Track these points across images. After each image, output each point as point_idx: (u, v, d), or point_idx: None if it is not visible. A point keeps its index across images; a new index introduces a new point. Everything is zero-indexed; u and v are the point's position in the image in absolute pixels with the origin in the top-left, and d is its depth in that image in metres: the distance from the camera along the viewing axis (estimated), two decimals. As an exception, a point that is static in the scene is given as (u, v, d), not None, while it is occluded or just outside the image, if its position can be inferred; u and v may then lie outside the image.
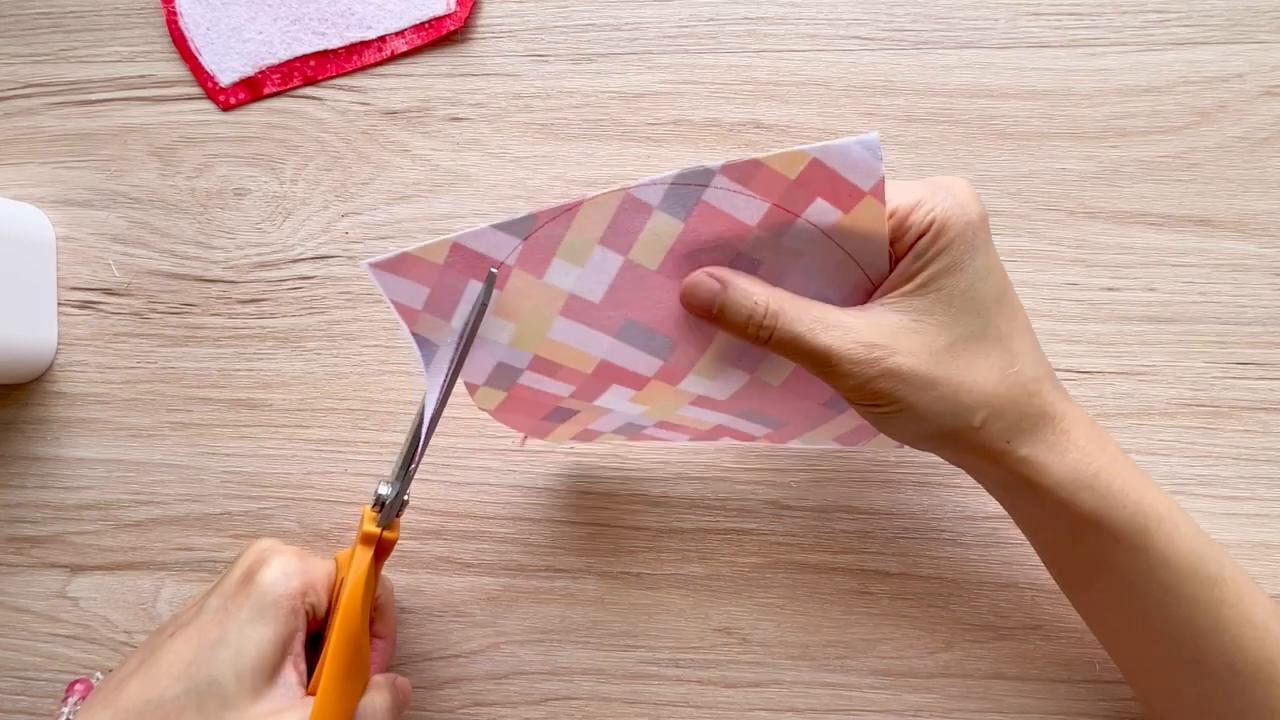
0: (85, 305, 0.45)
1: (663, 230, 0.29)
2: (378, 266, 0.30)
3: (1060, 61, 0.40)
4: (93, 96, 0.45)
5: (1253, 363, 0.39)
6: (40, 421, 0.45)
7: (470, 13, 0.42)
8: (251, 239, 0.44)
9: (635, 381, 0.34)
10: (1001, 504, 0.33)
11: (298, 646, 0.33)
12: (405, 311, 0.31)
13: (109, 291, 0.45)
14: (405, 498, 0.34)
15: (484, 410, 0.36)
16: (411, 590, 0.42)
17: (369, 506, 0.34)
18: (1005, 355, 0.29)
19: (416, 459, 0.33)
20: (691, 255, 0.30)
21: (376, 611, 0.37)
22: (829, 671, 0.40)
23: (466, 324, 0.31)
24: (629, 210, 0.29)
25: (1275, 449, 0.39)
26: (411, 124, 0.43)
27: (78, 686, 0.34)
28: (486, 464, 0.42)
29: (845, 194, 0.28)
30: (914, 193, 0.29)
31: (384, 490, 0.33)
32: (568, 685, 0.41)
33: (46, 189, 0.45)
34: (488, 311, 0.31)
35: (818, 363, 0.29)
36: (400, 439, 0.41)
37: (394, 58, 0.43)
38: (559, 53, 0.42)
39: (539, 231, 0.29)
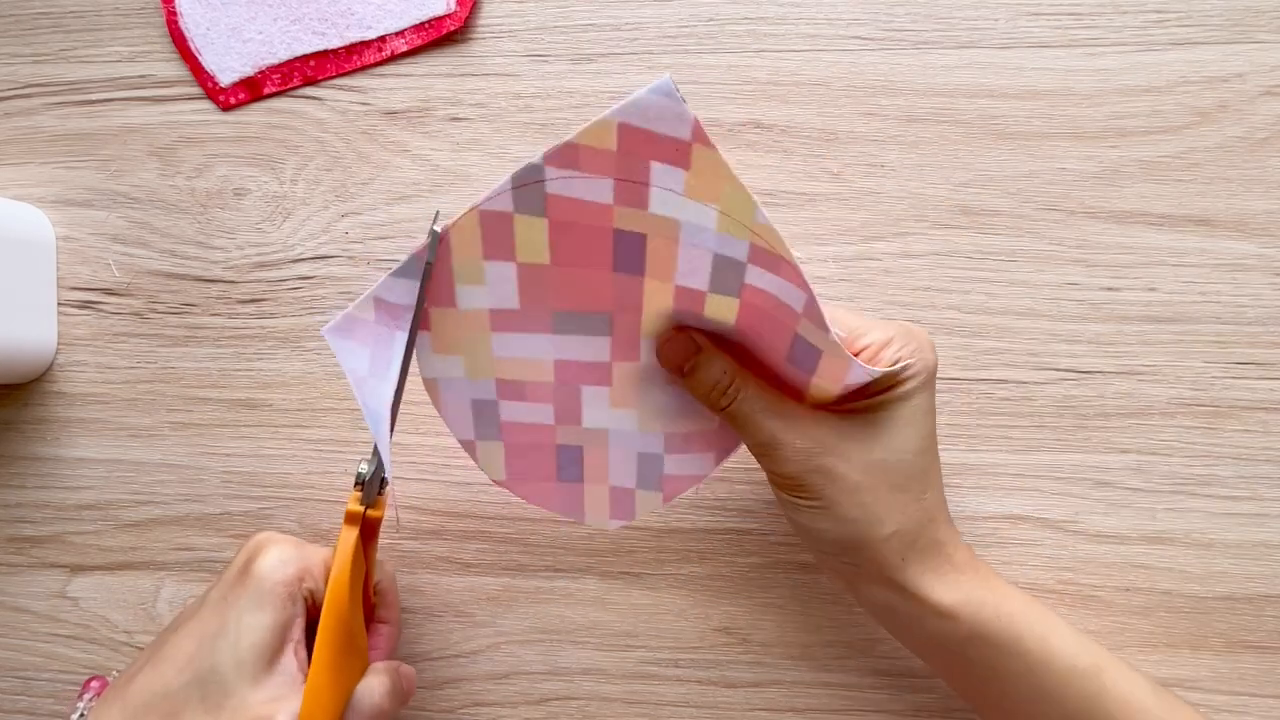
0: (85, 305, 0.45)
1: (533, 228, 0.30)
2: (332, 332, 0.32)
3: (1060, 61, 0.40)
4: (93, 96, 0.45)
5: (1253, 363, 0.39)
6: (40, 421, 0.45)
7: (470, 13, 0.42)
8: (251, 239, 0.44)
9: (599, 374, 0.34)
10: (889, 630, 0.36)
11: (297, 633, 0.33)
12: (356, 380, 0.33)
13: (109, 291, 0.45)
14: (385, 475, 0.34)
15: (501, 485, 0.38)
16: (411, 590, 0.42)
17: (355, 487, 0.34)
18: (921, 483, 0.33)
19: (389, 432, 0.33)
20: (572, 239, 0.31)
21: (378, 596, 0.38)
22: (829, 671, 0.40)
23: (419, 293, 0.32)
24: (491, 223, 0.30)
25: (1275, 449, 0.39)
26: (411, 124, 0.43)
27: (93, 684, 0.35)
28: (486, 464, 0.42)
29: (672, 149, 0.28)
30: (886, 331, 0.33)
31: (364, 468, 0.34)
32: (568, 685, 0.41)
33: (46, 189, 0.45)
34: (431, 353, 0.34)
35: (762, 443, 0.32)
36: (399, 438, 0.41)
37: (394, 58, 0.43)
38: (559, 53, 0.42)
39: (430, 268, 0.31)
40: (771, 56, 0.41)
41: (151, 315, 0.44)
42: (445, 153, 0.43)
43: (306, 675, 0.32)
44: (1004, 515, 0.39)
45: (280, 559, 0.33)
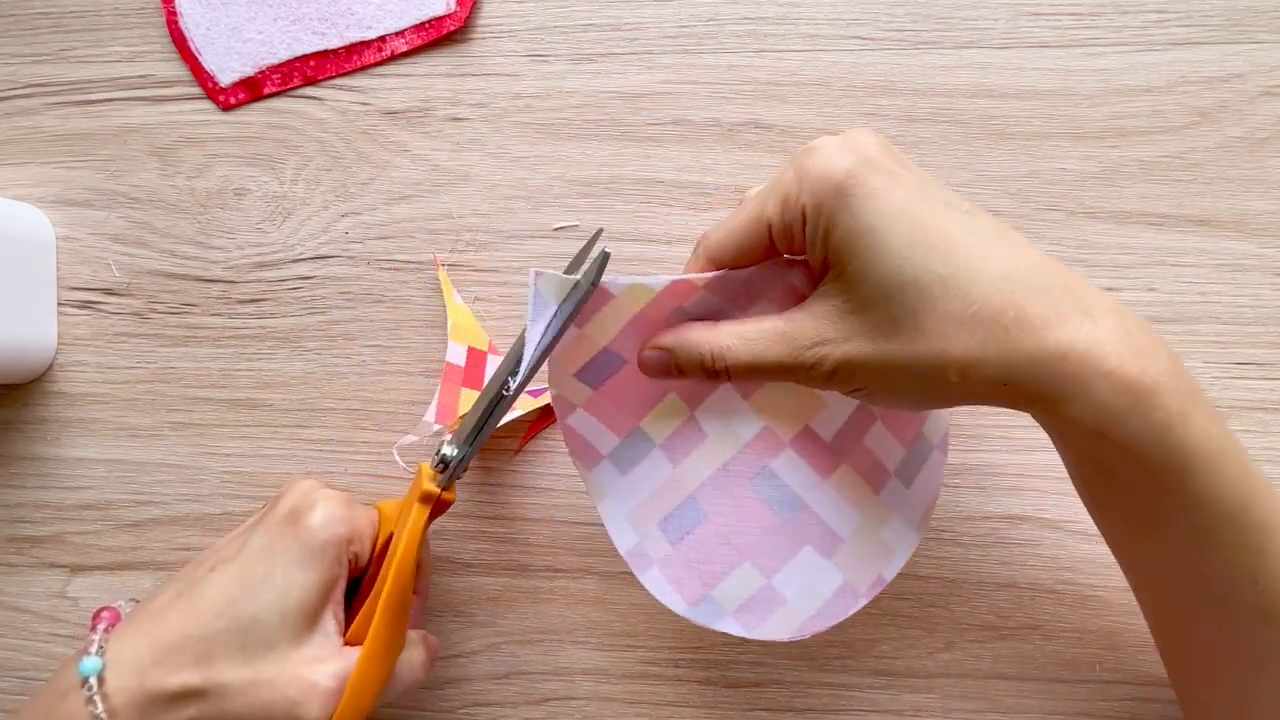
0: (85, 305, 0.45)
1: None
2: (541, 279, 0.31)
3: (1060, 61, 0.40)
4: (93, 96, 0.45)
5: (1253, 363, 0.39)
6: (40, 421, 0.45)
7: (470, 13, 0.42)
8: (251, 239, 0.44)
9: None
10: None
11: (339, 594, 0.33)
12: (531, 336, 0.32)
13: (109, 291, 0.45)
14: (467, 463, 0.35)
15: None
16: (411, 590, 0.42)
17: (427, 464, 0.34)
18: (957, 294, 0.26)
19: (491, 424, 0.33)
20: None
21: (418, 569, 0.37)
22: (829, 671, 0.40)
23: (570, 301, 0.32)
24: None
25: (1275, 449, 0.39)
26: (411, 124, 0.43)
27: (105, 614, 0.34)
28: (487, 464, 0.42)
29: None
30: (774, 195, 0.28)
31: (449, 451, 0.34)
32: (568, 685, 0.41)
33: (46, 189, 0.45)
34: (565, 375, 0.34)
35: (783, 372, 0.29)
36: (400, 438, 0.41)
37: (394, 58, 0.43)
38: (559, 53, 0.42)
39: (591, 291, 0.31)
40: (771, 56, 0.41)
41: (151, 315, 0.44)
42: (445, 153, 0.43)
43: (344, 637, 0.32)
44: (1004, 515, 0.39)
45: (333, 517, 0.33)
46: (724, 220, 0.31)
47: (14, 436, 0.45)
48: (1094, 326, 0.26)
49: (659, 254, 0.41)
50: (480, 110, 0.43)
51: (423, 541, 0.34)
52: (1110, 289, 0.39)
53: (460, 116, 0.43)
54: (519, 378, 0.32)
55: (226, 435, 0.44)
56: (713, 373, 0.31)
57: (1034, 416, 0.28)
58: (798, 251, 0.30)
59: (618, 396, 0.34)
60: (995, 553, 0.39)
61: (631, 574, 0.34)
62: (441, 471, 0.34)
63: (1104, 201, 0.39)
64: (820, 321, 0.28)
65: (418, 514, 0.33)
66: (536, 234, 0.42)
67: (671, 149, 0.42)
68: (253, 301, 0.44)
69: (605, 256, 0.30)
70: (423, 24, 0.43)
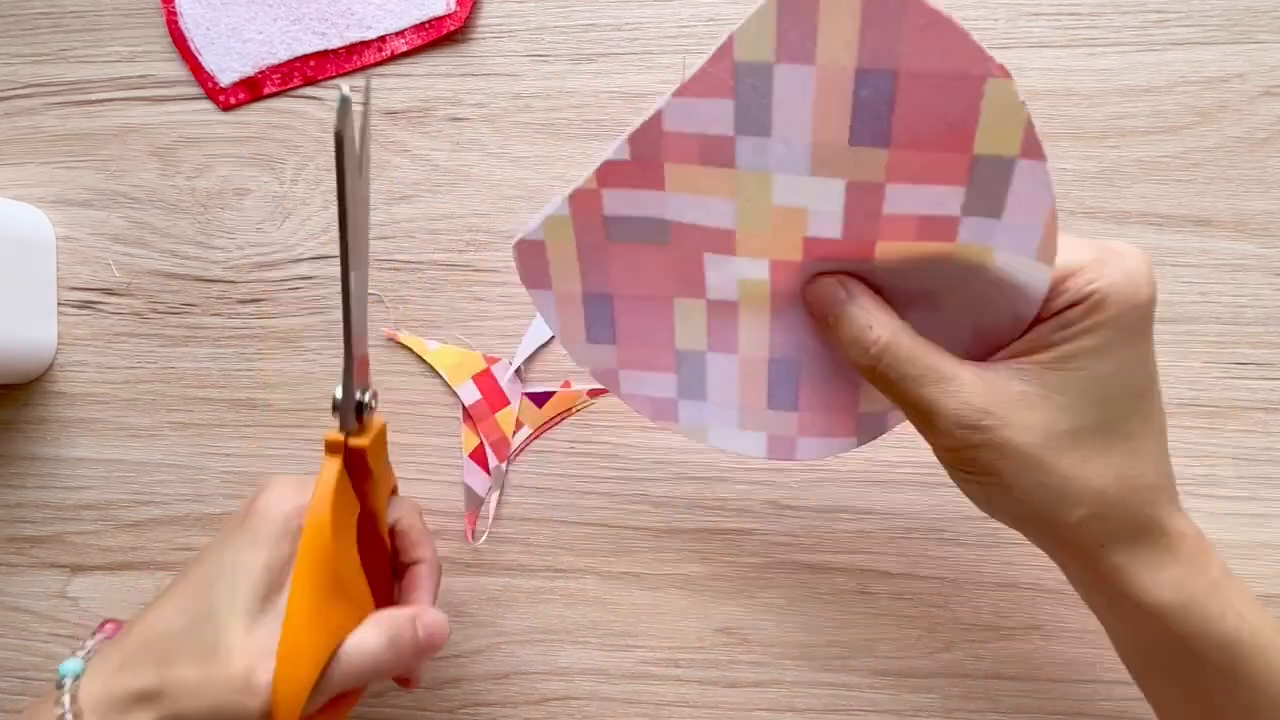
0: (85, 305, 0.45)
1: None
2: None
3: (1060, 61, 0.40)
4: (93, 96, 0.45)
5: (1253, 363, 0.39)
6: (40, 421, 0.45)
7: (470, 13, 0.42)
8: (251, 239, 0.44)
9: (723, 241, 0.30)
10: (1081, 596, 0.31)
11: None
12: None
13: (109, 291, 0.45)
14: (364, 399, 0.31)
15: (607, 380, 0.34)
16: (411, 590, 0.42)
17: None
18: (1129, 457, 0.27)
19: (352, 346, 0.30)
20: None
21: (399, 538, 0.35)
22: (829, 671, 0.40)
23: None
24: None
25: (1275, 449, 0.39)
26: (411, 124, 0.43)
27: (108, 625, 0.34)
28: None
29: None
30: (1081, 254, 0.26)
31: (337, 393, 0.31)
32: (568, 685, 0.41)
33: (46, 189, 0.45)
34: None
35: (919, 414, 0.27)
36: (399, 438, 0.41)
37: (394, 58, 0.43)
38: (559, 53, 0.42)
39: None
40: (771, 56, 0.41)
41: (151, 315, 0.44)
42: (445, 153, 0.43)
43: None
44: (1004, 515, 0.39)
45: (279, 496, 0.32)
46: None
47: (14, 436, 0.45)
48: (1187, 528, 0.28)
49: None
50: (480, 110, 0.43)
51: (352, 502, 0.31)
52: (1110, 289, 0.39)
53: (460, 116, 0.43)
54: (348, 271, 0.29)
55: (226, 435, 0.44)
56: (860, 352, 0.28)
57: (1097, 597, 0.29)
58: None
59: (637, 333, 0.32)
60: (995, 553, 0.39)
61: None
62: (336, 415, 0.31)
63: (1104, 201, 0.39)
64: (1003, 396, 0.26)
65: (326, 465, 0.30)
66: (536, 234, 0.42)
67: (671, 149, 0.42)
68: (253, 301, 0.44)
69: (344, 100, 0.27)
70: (423, 24, 0.43)
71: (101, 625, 0.34)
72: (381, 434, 0.33)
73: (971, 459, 0.27)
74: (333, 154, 0.43)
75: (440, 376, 0.42)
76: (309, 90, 0.44)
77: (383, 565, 0.35)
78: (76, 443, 0.45)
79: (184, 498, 0.44)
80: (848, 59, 0.24)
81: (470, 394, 0.42)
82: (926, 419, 0.27)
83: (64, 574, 0.44)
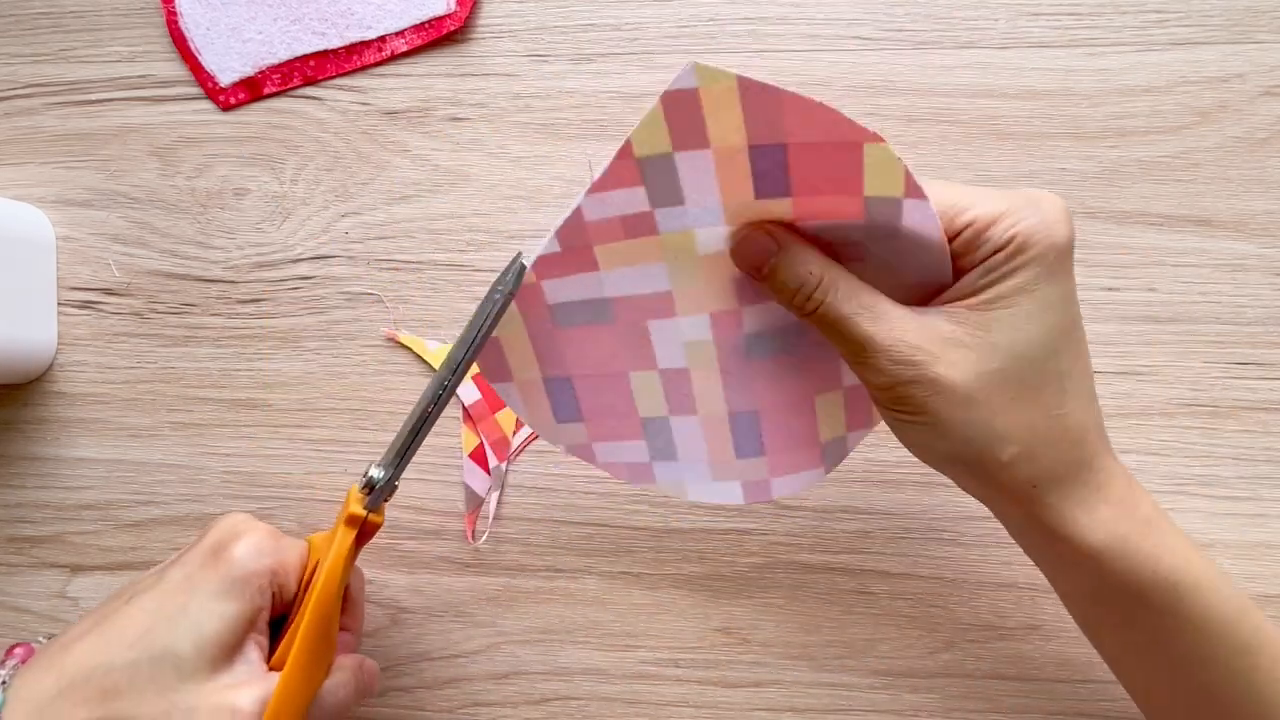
0: (85, 305, 0.45)
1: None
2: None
3: (1060, 61, 0.40)
4: (93, 96, 0.45)
5: (1253, 363, 0.39)
6: (40, 421, 0.45)
7: (470, 13, 0.42)
8: (251, 239, 0.44)
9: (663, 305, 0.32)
10: (1022, 548, 0.31)
11: (261, 625, 0.32)
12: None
13: (109, 291, 0.45)
14: (395, 484, 0.33)
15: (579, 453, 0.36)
16: (411, 590, 0.42)
17: (356, 486, 0.33)
18: (1058, 395, 0.27)
19: (416, 444, 0.32)
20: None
21: (347, 602, 0.36)
22: (829, 671, 0.40)
23: (485, 313, 0.30)
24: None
25: (1275, 449, 0.39)
26: (411, 124, 0.43)
27: (17, 650, 0.32)
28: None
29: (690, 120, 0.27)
30: (999, 203, 0.27)
31: (376, 473, 0.32)
32: (568, 685, 0.41)
33: (46, 189, 0.45)
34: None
35: (855, 350, 0.28)
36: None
37: (394, 58, 0.43)
38: (559, 53, 0.42)
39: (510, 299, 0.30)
40: (771, 56, 0.41)
41: (151, 315, 0.44)
42: (445, 153, 0.43)
43: (268, 664, 0.31)
44: (1004, 515, 0.39)
45: (257, 549, 0.32)
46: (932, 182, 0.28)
47: (14, 436, 0.45)
48: (1117, 468, 0.29)
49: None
50: (480, 110, 0.43)
51: (349, 566, 0.33)
52: (1110, 289, 0.39)
53: (460, 116, 0.43)
54: (446, 391, 0.31)
55: (226, 435, 0.44)
56: (802, 298, 0.28)
57: (1036, 543, 0.30)
58: (958, 256, 0.28)
59: (601, 408, 0.34)
60: (995, 553, 0.39)
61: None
62: (369, 494, 0.33)
63: (1104, 201, 0.39)
64: (935, 334, 0.27)
65: (343, 537, 0.32)
66: (537, 234, 0.42)
67: (671, 149, 0.42)
68: (253, 301, 0.44)
69: (521, 267, 0.30)
70: (423, 24, 0.43)
71: (10, 650, 0.33)
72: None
73: (905, 396, 0.27)
74: (332, 155, 0.43)
75: (440, 376, 0.42)
76: (309, 90, 0.44)
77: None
78: (76, 443, 0.45)
79: (184, 498, 0.44)
80: (739, 140, 0.27)
81: (470, 394, 0.42)
82: (862, 355, 0.28)
83: (64, 574, 0.44)
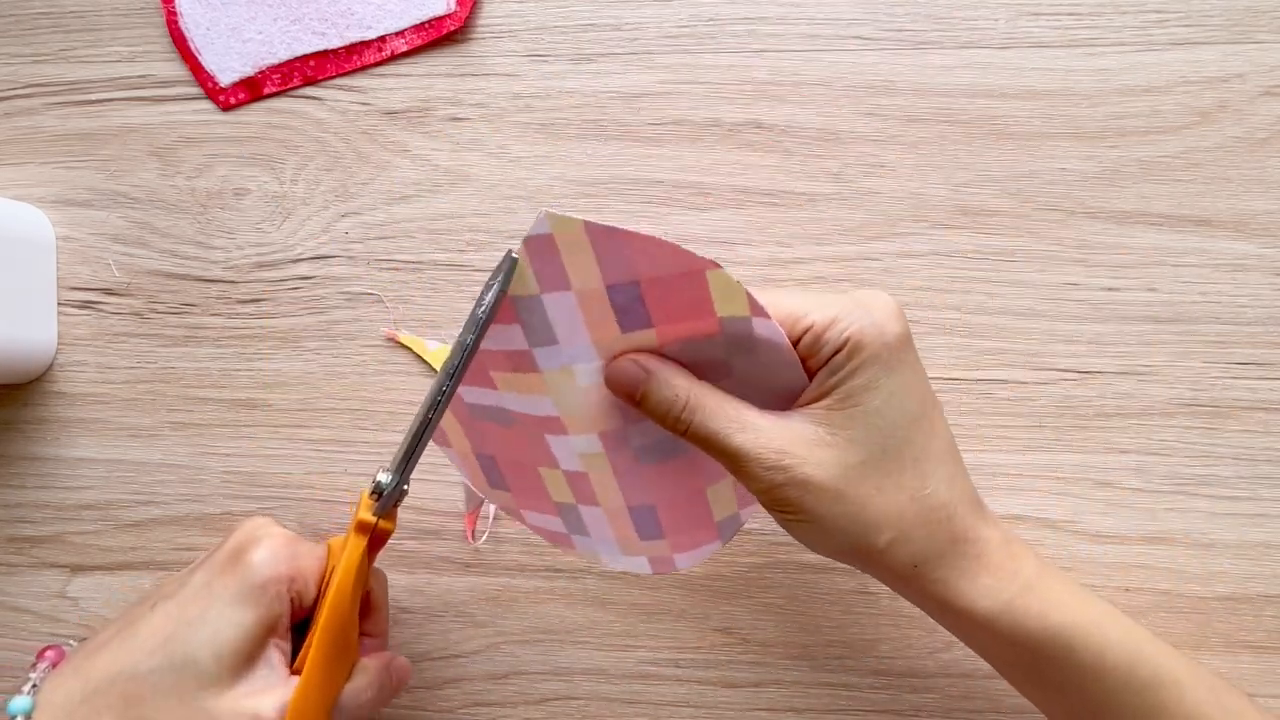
0: (85, 305, 0.45)
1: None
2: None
3: (1060, 61, 0.40)
4: (93, 96, 0.45)
5: (1253, 363, 0.39)
6: (40, 421, 0.45)
7: (470, 13, 0.42)
8: (251, 239, 0.44)
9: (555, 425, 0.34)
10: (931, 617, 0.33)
11: (281, 631, 0.32)
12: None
13: (109, 291, 0.45)
14: (405, 488, 0.33)
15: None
16: (411, 590, 0.42)
17: (366, 492, 0.33)
18: (918, 477, 0.29)
19: (420, 448, 0.32)
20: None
21: (370, 608, 0.37)
22: (829, 671, 0.40)
23: (482, 308, 0.30)
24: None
25: (1275, 449, 0.39)
26: (411, 124, 0.43)
27: (48, 653, 0.33)
28: (486, 464, 0.42)
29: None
30: (830, 308, 0.29)
31: (383, 478, 0.32)
32: (568, 685, 0.41)
33: (46, 189, 0.45)
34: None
35: (729, 460, 0.30)
36: (399, 437, 0.41)
37: (394, 58, 0.43)
38: (559, 53, 0.42)
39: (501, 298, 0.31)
40: (771, 56, 0.41)
41: (151, 315, 0.44)
42: (445, 153, 0.43)
43: (290, 669, 0.32)
44: (1004, 515, 0.39)
45: (275, 555, 0.32)
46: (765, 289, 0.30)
47: (14, 436, 0.45)
48: (993, 535, 0.30)
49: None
50: (480, 110, 0.43)
51: (363, 573, 0.33)
52: (1110, 289, 0.39)
53: (460, 116, 0.43)
54: (445, 395, 0.31)
55: (226, 435, 0.44)
56: (672, 420, 0.30)
57: (934, 613, 0.31)
58: (805, 359, 0.30)
59: (521, 486, 0.36)
60: (995, 553, 0.39)
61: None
62: (377, 499, 0.32)
63: (1104, 201, 0.39)
64: (798, 438, 0.29)
65: (354, 543, 0.32)
66: (536, 234, 0.42)
67: (671, 149, 0.42)
68: (253, 301, 0.44)
69: (512, 262, 0.29)
70: (423, 24, 0.43)
71: (41, 653, 0.33)
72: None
73: (782, 498, 0.29)
74: (332, 155, 0.43)
75: (440, 376, 0.42)
76: (309, 90, 0.44)
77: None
78: (76, 443, 0.45)
79: (184, 498, 0.44)
80: (596, 281, 0.29)
81: None
82: (738, 465, 0.29)
83: (64, 574, 0.44)
